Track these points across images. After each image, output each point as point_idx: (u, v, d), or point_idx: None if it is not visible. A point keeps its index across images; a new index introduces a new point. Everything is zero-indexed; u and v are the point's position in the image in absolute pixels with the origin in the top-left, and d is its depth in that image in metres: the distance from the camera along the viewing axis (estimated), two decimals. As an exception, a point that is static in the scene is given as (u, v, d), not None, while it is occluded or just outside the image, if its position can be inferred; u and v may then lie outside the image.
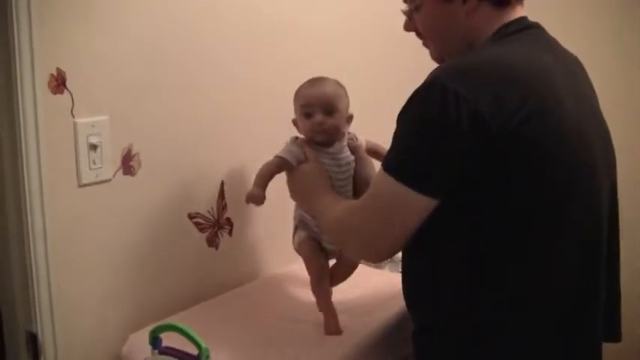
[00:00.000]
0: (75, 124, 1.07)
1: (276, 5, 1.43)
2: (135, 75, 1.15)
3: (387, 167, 0.86)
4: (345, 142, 1.21)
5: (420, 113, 0.83)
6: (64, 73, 1.04)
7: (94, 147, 1.10)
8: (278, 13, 1.44)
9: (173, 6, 1.20)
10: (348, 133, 1.24)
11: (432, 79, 0.82)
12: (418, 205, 0.83)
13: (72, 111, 1.06)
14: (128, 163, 1.16)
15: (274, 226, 1.44)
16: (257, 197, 1.15)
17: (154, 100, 1.19)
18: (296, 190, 1.18)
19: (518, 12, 0.94)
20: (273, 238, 1.48)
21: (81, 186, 1.09)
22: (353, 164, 1.21)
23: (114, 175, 1.14)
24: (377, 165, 1.08)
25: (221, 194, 1.36)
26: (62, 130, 1.06)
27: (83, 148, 1.08)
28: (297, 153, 1.18)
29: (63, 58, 1.03)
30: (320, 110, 1.16)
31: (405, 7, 1.01)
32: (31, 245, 1.01)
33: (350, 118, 1.23)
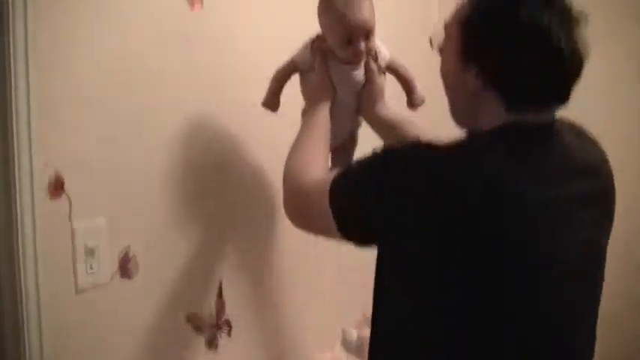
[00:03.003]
0: (73, 230, 1.05)
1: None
2: (132, 178, 1.15)
3: (332, 188, 0.91)
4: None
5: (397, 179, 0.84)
6: (63, 177, 1.03)
7: (91, 251, 1.07)
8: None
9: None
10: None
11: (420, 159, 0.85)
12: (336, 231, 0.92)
13: (69, 215, 1.04)
14: (126, 266, 1.13)
15: (274, 325, 1.39)
16: (271, 103, 1.20)
17: (150, 201, 1.18)
18: (302, 94, 1.21)
19: (542, 115, 0.88)
20: (272, 339, 1.43)
21: (78, 292, 1.05)
22: (362, 81, 1.19)
23: (111, 279, 1.11)
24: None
25: (219, 294, 1.32)
26: (60, 235, 1.03)
27: (80, 253, 1.06)
28: (309, 59, 1.18)
29: (62, 164, 1.03)
30: (361, 37, 1.11)
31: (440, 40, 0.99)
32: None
33: None
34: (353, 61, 1.16)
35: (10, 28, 0.93)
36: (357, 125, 1.30)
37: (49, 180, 1.01)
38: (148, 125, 1.17)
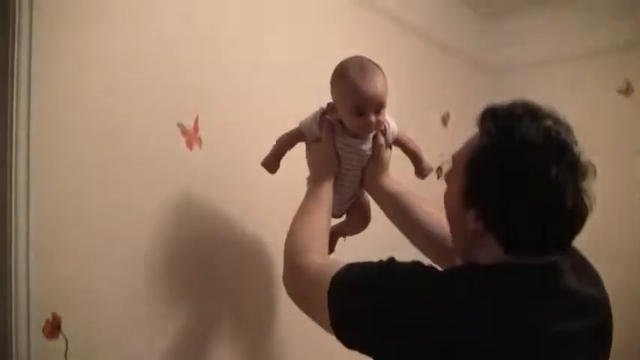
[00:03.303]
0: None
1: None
2: (125, 311, 1.18)
3: (332, 284, 0.92)
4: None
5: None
6: (60, 318, 1.08)
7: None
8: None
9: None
10: None
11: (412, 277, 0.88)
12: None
13: (65, 355, 1.07)
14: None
15: None
16: (270, 165, 1.24)
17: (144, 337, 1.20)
18: (308, 163, 1.25)
19: (541, 258, 0.86)
20: None
21: None
22: (369, 154, 1.19)
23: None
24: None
25: None
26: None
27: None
28: (315, 132, 1.19)
29: (59, 303, 1.08)
30: (372, 110, 1.12)
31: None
32: None
33: None
34: (361, 133, 1.18)
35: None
36: (360, 194, 1.32)
37: (46, 319, 1.06)
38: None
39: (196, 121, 1.36)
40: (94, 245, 1.15)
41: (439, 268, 0.94)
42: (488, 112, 0.89)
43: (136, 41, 1.25)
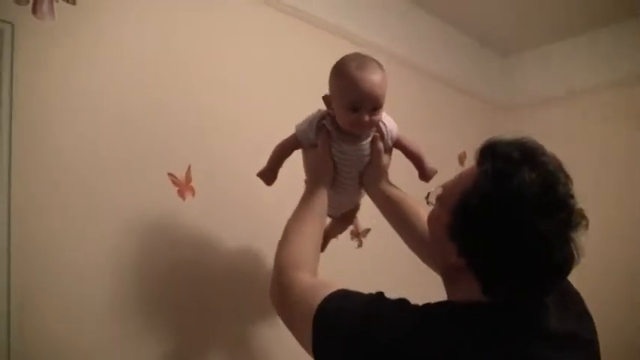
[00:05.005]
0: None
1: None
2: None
3: (319, 312, 0.89)
4: (369, 136, 1.15)
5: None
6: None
7: None
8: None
9: None
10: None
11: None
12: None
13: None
14: None
15: None
16: (267, 176, 1.23)
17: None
18: (304, 168, 1.24)
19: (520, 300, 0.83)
20: None
21: None
22: (367, 159, 1.16)
23: None
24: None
25: None
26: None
27: None
28: (311, 138, 1.17)
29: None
30: (368, 107, 1.08)
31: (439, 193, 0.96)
32: None
33: None
34: (353, 131, 1.14)
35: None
36: (360, 197, 1.30)
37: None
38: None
39: (188, 171, 1.42)
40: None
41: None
42: (487, 149, 0.87)
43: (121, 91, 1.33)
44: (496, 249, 0.79)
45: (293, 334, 0.99)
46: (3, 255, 1.11)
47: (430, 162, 1.25)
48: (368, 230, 1.89)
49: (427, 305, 0.86)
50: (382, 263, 1.91)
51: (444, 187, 0.94)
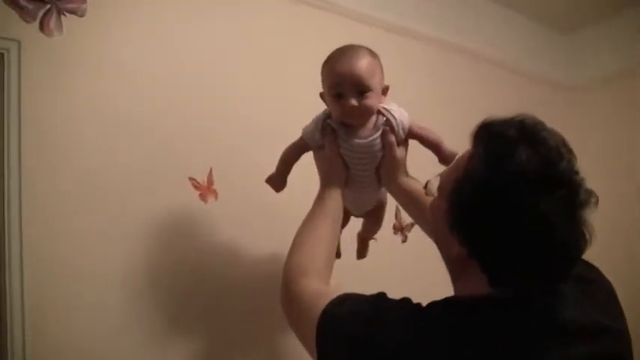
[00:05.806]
0: None
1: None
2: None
3: (322, 317, 0.86)
4: (378, 130, 1.10)
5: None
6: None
7: None
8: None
9: None
10: (385, 108, 1.10)
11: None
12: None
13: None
14: None
15: None
16: (276, 183, 1.20)
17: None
18: (317, 169, 1.19)
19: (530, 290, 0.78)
20: None
21: None
22: (380, 153, 1.11)
23: None
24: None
25: None
26: None
27: None
28: (317, 139, 1.12)
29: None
30: (352, 91, 1.03)
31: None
32: None
33: (385, 90, 1.09)
34: (346, 121, 1.09)
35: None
36: (382, 194, 1.25)
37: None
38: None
39: (210, 173, 1.41)
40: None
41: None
42: (481, 130, 0.81)
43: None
44: (495, 233, 0.75)
45: (302, 342, 0.96)
46: (16, 260, 1.14)
47: (449, 146, 1.17)
48: (412, 224, 1.78)
49: (430, 305, 0.82)
50: (428, 259, 1.78)
51: (441, 175, 0.90)
